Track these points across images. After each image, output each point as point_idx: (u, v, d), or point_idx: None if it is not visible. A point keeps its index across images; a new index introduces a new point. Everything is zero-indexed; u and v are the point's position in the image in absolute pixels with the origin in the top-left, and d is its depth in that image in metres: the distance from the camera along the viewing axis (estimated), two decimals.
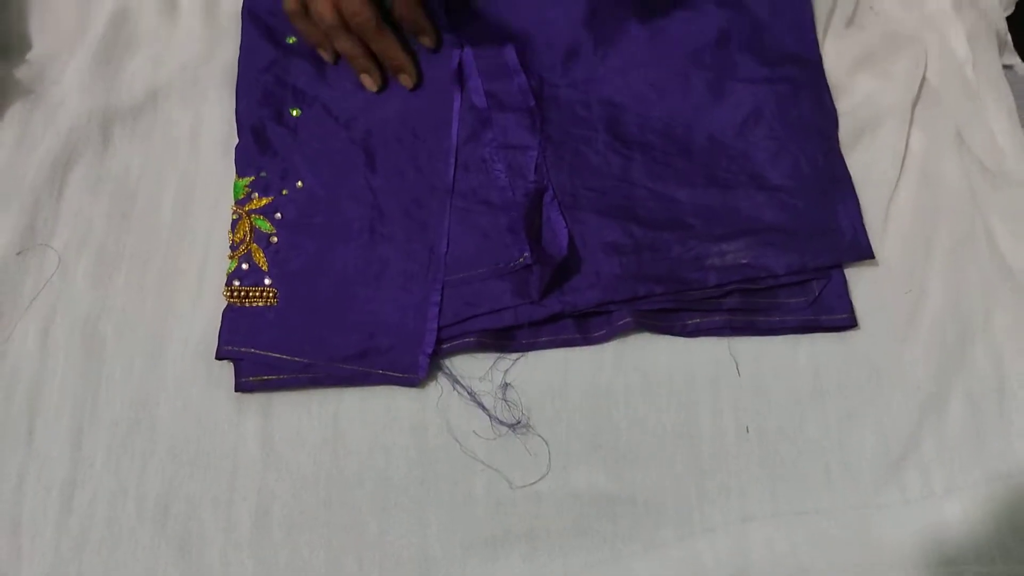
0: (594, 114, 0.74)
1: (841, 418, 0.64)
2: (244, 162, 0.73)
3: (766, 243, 0.67)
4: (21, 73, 0.77)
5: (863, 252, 0.68)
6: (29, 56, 0.79)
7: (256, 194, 0.71)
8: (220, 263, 0.70)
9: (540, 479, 0.63)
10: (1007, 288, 0.68)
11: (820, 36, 0.77)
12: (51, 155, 0.73)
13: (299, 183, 0.72)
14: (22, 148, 0.74)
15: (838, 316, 0.66)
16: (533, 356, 0.66)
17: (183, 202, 0.73)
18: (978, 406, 0.64)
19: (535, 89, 0.75)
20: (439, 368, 0.66)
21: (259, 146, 0.73)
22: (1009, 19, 0.81)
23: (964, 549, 0.59)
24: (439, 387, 0.65)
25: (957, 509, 0.60)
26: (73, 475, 0.63)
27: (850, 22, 0.79)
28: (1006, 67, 0.79)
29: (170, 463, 0.63)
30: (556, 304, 0.66)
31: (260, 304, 0.67)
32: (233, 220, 0.70)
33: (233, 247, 0.69)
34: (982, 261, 0.69)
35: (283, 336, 0.66)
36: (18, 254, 0.70)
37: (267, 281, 0.68)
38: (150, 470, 0.63)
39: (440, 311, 0.66)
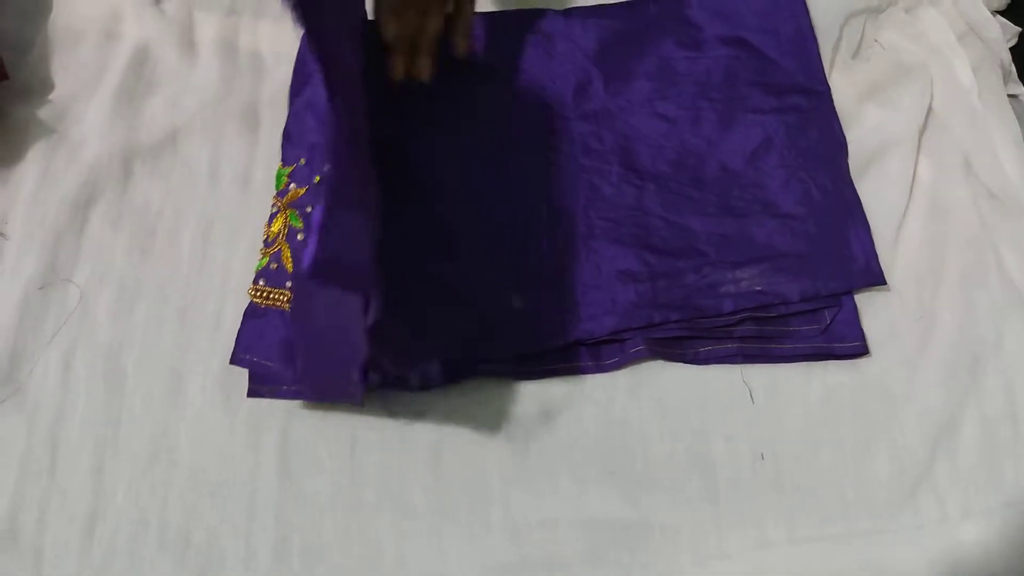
0: (607, 146, 0.75)
1: (855, 444, 0.64)
2: (289, 147, 0.73)
3: (780, 269, 0.68)
4: (44, 113, 0.79)
5: (875, 278, 0.68)
6: (51, 96, 0.80)
7: (294, 184, 0.71)
8: (239, 296, 0.70)
9: (556, 506, 0.63)
10: (1018, 313, 0.68)
11: (827, 68, 0.78)
12: (73, 192, 0.74)
13: (328, 166, 0.70)
14: (44, 186, 0.75)
15: (850, 344, 0.66)
16: (547, 383, 0.67)
17: (202, 237, 0.74)
18: (992, 431, 0.64)
19: (546, 121, 0.76)
20: (453, 394, 0.66)
21: (304, 129, 0.73)
22: (1013, 50, 0.82)
23: (979, 575, 0.59)
24: (453, 415, 0.66)
25: (972, 534, 0.60)
26: (95, 506, 0.63)
27: (856, 54, 0.81)
28: (1011, 96, 0.80)
29: (190, 494, 0.64)
30: (573, 332, 0.67)
31: (277, 306, 0.66)
32: (272, 213, 0.70)
33: (267, 243, 0.69)
34: (992, 287, 0.69)
35: (286, 345, 0.65)
36: (40, 289, 0.71)
37: (288, 284, 0.67)
38: (171, 501, 0.64)
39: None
